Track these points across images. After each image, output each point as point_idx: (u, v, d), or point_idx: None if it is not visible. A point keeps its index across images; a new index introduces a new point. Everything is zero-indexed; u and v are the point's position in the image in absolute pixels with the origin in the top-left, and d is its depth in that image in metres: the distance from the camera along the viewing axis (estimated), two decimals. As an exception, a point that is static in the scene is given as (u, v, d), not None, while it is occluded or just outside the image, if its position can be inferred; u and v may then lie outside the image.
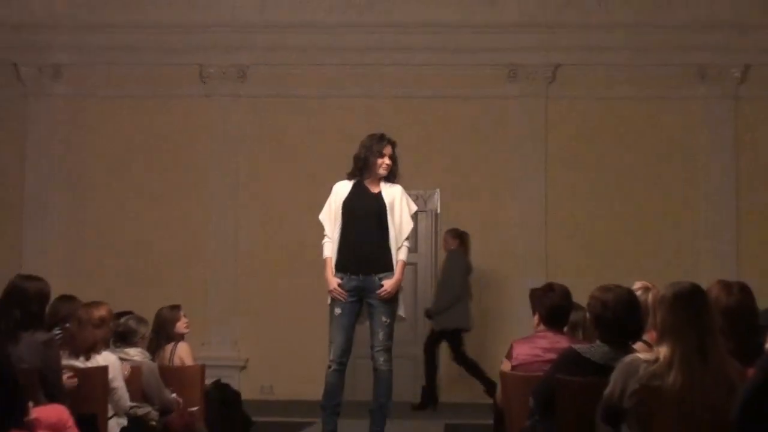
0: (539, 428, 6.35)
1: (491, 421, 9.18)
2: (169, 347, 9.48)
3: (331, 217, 8.87)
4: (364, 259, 8.70)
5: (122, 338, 8.58)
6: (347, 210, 8.78)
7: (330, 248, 8.76)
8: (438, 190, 14.53)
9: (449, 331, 13.39)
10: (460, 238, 13.57)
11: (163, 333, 9.55)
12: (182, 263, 14.26)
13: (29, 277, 7.27)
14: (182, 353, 9.46)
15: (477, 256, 14.18)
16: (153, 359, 8.95)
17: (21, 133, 14.72)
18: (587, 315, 6.49)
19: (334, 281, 8.64)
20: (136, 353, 8.58)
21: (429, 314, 13.60)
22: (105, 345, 8.01)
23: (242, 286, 14.42)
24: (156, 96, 14.68)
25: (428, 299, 14.26)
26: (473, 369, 13.27)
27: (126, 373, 8.08)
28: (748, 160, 14.29)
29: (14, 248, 14.32)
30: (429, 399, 13.35)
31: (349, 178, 9.01)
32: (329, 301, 8.85)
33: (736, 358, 5.37)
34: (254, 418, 10.53)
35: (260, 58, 14.74)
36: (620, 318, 6.08)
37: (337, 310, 8.75)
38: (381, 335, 8.85)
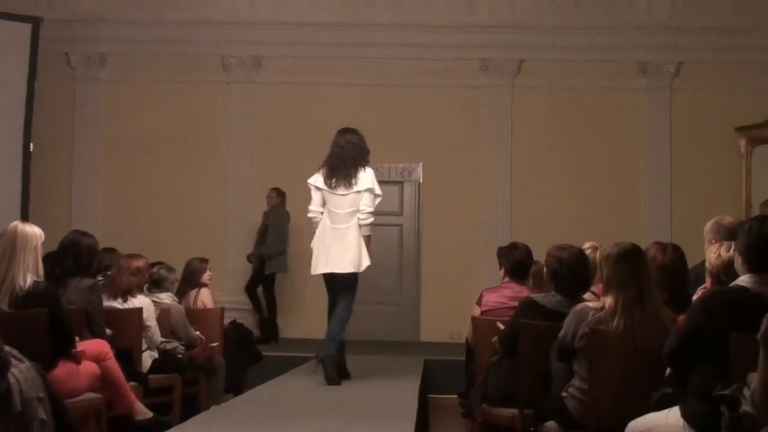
0: (503, 365, 6.35)
1: (463, 358, 9.20)
2: (193, 293, 9.49)
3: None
4: None
5: (155, 284, 8.60)
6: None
7: None
8: (421, 163, 14.50)
9: (273, 274, 13.45)
10: (282, 196, 13.61)
11: (190, 280, 9.56)
12: (204, 224, 14.21)
13: (84, 234, 7.29)
14: (204, 298, 9.49)
15: (453, 218, 14.20)
16: (180, 302, 8.96)
17: (71, 112, 14.66)
18: (544, 269, 6.48)
19: None
20: (166, 297, 8.59)
21: (251, 260, 13.64)
22: (140, 290, 8.01)
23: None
24: (184, 82, 14.61)
25: (412, 256, 14.26)
26: (271, 311, 13.47)
27: (156, 313, 8.08)
28: (679, 140, 14.29)
29: (65, 210, 14.26)
30: (270, 334, 13.41)
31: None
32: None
33: (669, 307, 5.37)
34: (264, 353, 10.53)
35: (274, 50, 14.66)
36: (573, 272, 6.09)
37: None
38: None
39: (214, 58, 14.67)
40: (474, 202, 14.35)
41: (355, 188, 8.56)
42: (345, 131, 9.05)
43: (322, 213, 8.66)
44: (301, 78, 14.56)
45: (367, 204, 8.50)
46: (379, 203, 8.79)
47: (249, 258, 13.59)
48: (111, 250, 8.23)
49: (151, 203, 14.39)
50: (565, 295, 6.07)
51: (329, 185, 8.62)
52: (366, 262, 8.57)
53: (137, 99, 14.69)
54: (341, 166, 8.63)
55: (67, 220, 13.58)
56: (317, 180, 8.73)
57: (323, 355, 8.43)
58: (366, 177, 8.59)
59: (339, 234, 8.53)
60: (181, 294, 9.33)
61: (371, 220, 8.57)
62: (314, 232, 8.78)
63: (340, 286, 8.65)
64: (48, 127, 13.89)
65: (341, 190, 8.58)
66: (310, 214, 8.81)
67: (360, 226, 8.52)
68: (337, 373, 8.36)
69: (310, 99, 14.51)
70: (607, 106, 14.41)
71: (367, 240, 8.60)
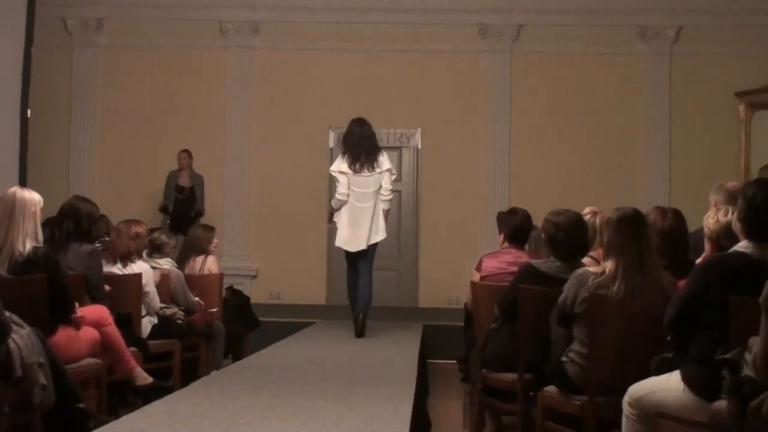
0: (503, 330, 6.36)
1: (462, 323, 9.23)
2: (200, 259, 9.51)
3: None
4: None
5: (155, 249, 8.61)
6: None
7: None
8: (419, 129, 14.48)
9: None
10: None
11: (195, 247, 9.57)
12: (204, 189, 14.19)
13: (84, 199, 7.31)
14: (211, 265, 9.52)
15: (452, 184, 14.19)
16: (181, 268, 8.98)
17: (68, 78, 14.59)
18: (542, 235, 6.47)
19: None
20: (165, 262, 8.59)
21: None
22: (139, 255, 8.01)
23: (254, 208, 14.40)
24: (182, 47, 14.53)
25: (410, 222, 14.27)
26: None
27: (156, 279, 8.09)
28: (679, 106, 14.26)
29: (63, 177, 14.24)
30: None
31: None
32: None
33: (670, 271, 5.37)
34: (264, 319, 10.56)
35: (271, 15, 14.58)
36: (570, 237, 6.07)
37: None
38: None
39: (211, 23, 14.60)
40: (473, 168, 14.33)
41: (378, 170, 9.86)
42: (361, 122, 10.06)
43: (348, 195, 9.87)
44: (298, 43, 14.50)
45: (388, 183, 9.90)
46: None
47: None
48: (101, 217, 8.22)
49: (149, 170, 14.34)
50: (563, 261, 6.07)
51: (354, 169, 9.83)
52: (383, 234, 9.95)
53: (134, 65, 14.63)
54: (364, 153, 9.85)
55: (65, 187, 13.56)
56: (341, 166, 9.89)
57: (361, 314, 9.89)
58: (385, 159, 9.93)
59: (366, 212, 9.85)
60: (184, 259, 9.34)
61: (391, 196, 10.06)
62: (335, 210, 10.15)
63: (362, 256, 9.95)
64: (45, 94, 13.82)
65: (366, 173, 9.84)
66: (339, 197, 9.93)
67: (382, 201, 9.91)
68: (362, 329, 9.86)
69: (307, 65, 14.47)
70: (606, 71, 14.37)
71: (386, 214, 10.01)
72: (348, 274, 10.18)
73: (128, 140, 14.54)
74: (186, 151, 13.47)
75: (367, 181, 9.90)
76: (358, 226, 9.88)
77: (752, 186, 4.55)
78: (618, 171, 14.17)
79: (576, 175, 14.01)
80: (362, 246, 9.87)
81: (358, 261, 9.98)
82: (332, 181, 10.96)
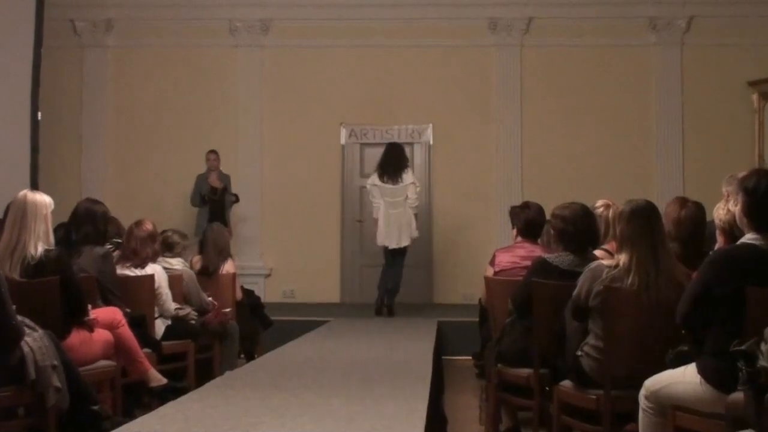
0: (517, 325, 6.34)
1: (477, 319, 9.22)
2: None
3: None
4: None
5: (167, 248, 8.59)
6: None
7: None
8: (431, 124, 14.45)
9: None
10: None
11: (224, 252, 9.54)
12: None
13: (96, 201, 7.34)
14: (229, 267, 9.49)
15: (464, 179, 14.18)
16: (212, 272, 9.04)
17: (78, 79, 14.62)
18: (551, 230, 6.45)
19: None
20: (177, 262, 8.58)
21: None
22: (156, 257, 8.01)
23: (267, 207, 14.40)
24: (192, 46, 14.55)
25: (423, 217, 14.25)
26: None
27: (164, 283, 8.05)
28: (691, 98, 14.21)
29: (74, 179, 14.28)
30: None
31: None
32: None
33: (684, 263, 5.35)
34: (277, 318, 10.54)
35: (281, 13, 14.58)
36: (579, 229, 6.05)
37: None
38: None
39: (221, 22, 14.60)
40: (485, 162, 14.31)
41: (402, 183, 12.10)
42: (394, 145, 12.59)
43: (381, 202, 12.16)
44: (309, 41, 14.50)
45: (413, 193, 12.18)
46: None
47: None
48: (111, 218, 8.22)
49: (160, 170, 14.37)
50: (575, 254, 6.04)
51: (383, 181, 12.14)
52: (416, 233, 12.32)
53: (144, 65, 14.65)
54: (392, 169, 12.16)
55: (76, 189, 13.60)
56: (374, 180, 12.25)
57: (388, 303, 12.29)
58: (409, 175, 12.20)
59: (398, 216, 12.11)
60: (214, 264, 9.31)
61: (417, 203, 12.35)
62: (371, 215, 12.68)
63: (399, 253, 12.31)
64: (56, 96, 13.87)
65: (393, 185, 12.10)
66: (374, 204, 12.32)
67: (410, 208, 12.17)
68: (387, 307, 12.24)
69: (318, 62, 14.46)
70: (618, 63, 14.33)
71: (415, 217, 12.24)
72: (384, 269, 12.43)
73: (139, 141, 14.56)
74: (214, 152, 13.46)
75: (395, 191, 12.11)
76: (393, 227, 12.12)
77: (751, 178, 4.49)
78: (631, 163, 14.14)
79: (589, 168, 13.99)
80: (399, 244, 12.16)
81: (395, 257, 12.29)
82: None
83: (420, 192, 12.54)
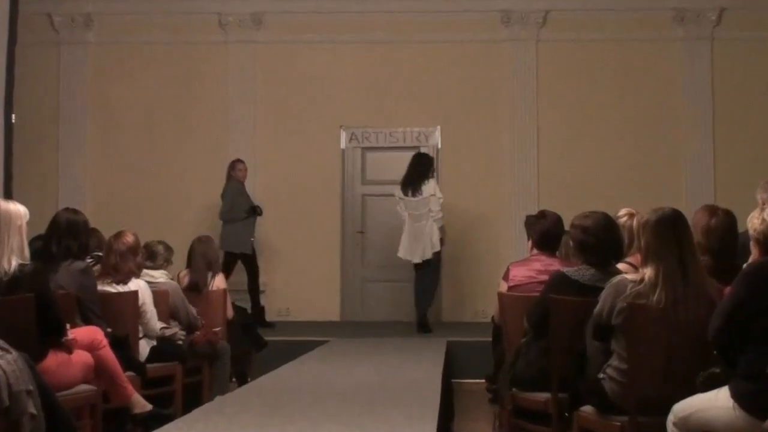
0: (534, 345, 6.34)
1: (489, 339, 9.21)
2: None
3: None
4: None
5: (148, 258, 8.56)
6: None
7: None
8: (438, 127, 14.46)
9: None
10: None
11: (214, 265, 9.53)
12: (205, 198, 14.15)
13: (75, 212, 7.35)
14: (219, 282, 9.48)
15: (475, 188, 14.18)
16: (200, 287, 9.03)
17: (55, 78, 14.63)
18: (570, 242, 6.44)
19: None
20: (160, 275, 8.58)
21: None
22: (140, 271, 8.01)
23: (261, 218, 14.37)
24: (178, 42, 14.56)
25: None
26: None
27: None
28: (722, 96, 14.19)
29: (51, 187, 14.29)
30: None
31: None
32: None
33: (717, 276, 5.35)
34: (272, 338, 10.55)
35: (275, 6, 14.59)
36: (601, 241, 6.05)
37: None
38: None
39: (209, 17, 14.62)
40: (497, 168, 14.29)
41: (421, 195, 12.49)
42: (416, 156, 13.06)
43: (406, 215, 12.63)
44: (305, 36, 14.51)
45: (435, 206, 12.51)
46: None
47: None
48: (92, 230, 8.22)
49: (145, 177, 14.37)
50: (597, 267, 6.04)
51: (405, 194, 12.59)
52: (437, 246, 12.55)
53: (127, 63, 14.65)
54: (413, 181, 12.57)
55: (53, 198, 13.64)
56: (398, 193, 12.69)
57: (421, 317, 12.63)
58: (428, 187, 12.54)
59: (420, 229, 12.54)
60: (202, 279, 9.30)
61: (440, 216, 12.55)
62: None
63: (426, 266, 12.59)
64: (31, 97, 13.88)
65: (414, 197, 12.53)
66: (401, 218, 12.69)
67: (434, 221, 12.50)
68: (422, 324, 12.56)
69: (315, 59, 14.47)
70: (642, 59, 14.32)
71: (442, 230, 12.66)
72: (414, 285, 12.78)
73: (121, 146, 14.55)
74: (242, 161, 13.49)
75: (417, 204, 12.54)
76: (416, 241, 12.54)
77: None
78: (657, 168, 14.11)
79: (610, 173, 13.97)
80: (420, 257, 12.54)
81: (423, 270, 12.61)
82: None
83: (438, 206, 12.61)
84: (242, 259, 13.09)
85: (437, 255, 12.64)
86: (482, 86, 14.40)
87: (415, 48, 14.39)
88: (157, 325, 8.00)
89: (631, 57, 14.30)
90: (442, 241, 12.69)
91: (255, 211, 13.21)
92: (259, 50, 14.65)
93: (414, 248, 12.57)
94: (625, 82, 14.27)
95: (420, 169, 12.68)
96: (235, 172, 13.35)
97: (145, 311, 7.84)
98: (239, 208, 13.12)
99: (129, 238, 7.91)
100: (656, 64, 14.32)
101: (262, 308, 13.25)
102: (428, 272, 12.67)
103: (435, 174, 12.97)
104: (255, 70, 14.62)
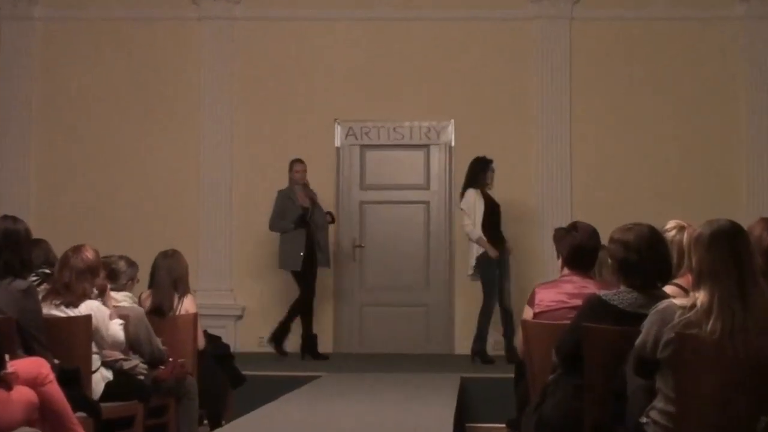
0: (564, 382, 6.34)
1: (511, 375, 9.22)
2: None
3: (474, 215, 13.08)
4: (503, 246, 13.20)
5: (109, 277, 8.53)
6: (486, 213, 13.12)
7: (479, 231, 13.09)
8: (452, 120, 14.50)
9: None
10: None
11: (182, 284, 9.52)
12: (171, 200, 14.22)
13: (16, 220, 7.29)
14: (188, 305, 9.44)
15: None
16: (165, 310, 9.03)
17: (-6, 61, 14.70)
18: (608, 261, 6.45)
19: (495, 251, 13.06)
20: (123, 298, 8.57)
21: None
22: (102, 293, 8.00)
23: (239, 228, 14.37)
24: (143, 19, 14.62)
25: (442, 242, 14.27)
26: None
27: (113, 316, 8.02)
28: (793, 86, 14.24)
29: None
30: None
31: (474, 188, 13.18)
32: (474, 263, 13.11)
33: (779, 303, 5.35)
34: (252, 373, 10.54)
35: (256, -24, 14.67)
36: (644, 259, 6.04)
37: (490, 280, 13.03)
38: (508, 287, 13.18)
39: (180, -12, 14.68)
40: (523, 171, 14.30)
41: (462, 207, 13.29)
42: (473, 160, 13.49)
43: None
44: (292, 11, 14.57)
45: (464, 219, 13.22)
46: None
47: None
48: (39, 241, 8.22)
49: (100, 178, 14.38)
50: (640, 291, 6.05)
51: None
52: (470, 270, 13.21)
53: (82, 42, 14.68)
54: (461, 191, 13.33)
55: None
56: None
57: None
58: (463, 199, 13.18)
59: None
60: (166, 299, 9.29)
61: (467, 230, 13.14)
62: None
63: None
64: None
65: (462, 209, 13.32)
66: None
67: (466, 234, 13.31)
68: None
69: (305, 39, 14.51)
70: (695, 41, 14.35)
71: (477, 241, 13.05)
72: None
73: (74, 141, 14.56)
74: (300, 161, 13.57)
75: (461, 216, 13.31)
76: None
77: None
78: (713, 172, 14.12)
79: (657, 177, 14.00)
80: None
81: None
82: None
83: (466, 219, 13.10)
84: (295, 278, 13.31)
85: (476, 274, 13.11)
86: (505, 73, 14.42)
87: (425, 26, 14.43)
88: (118, 341, 7.96)
89: (682, 39, 14.34)
90: (482, 257, 12.99)
91: (303, 219, 13.25)
92: (238, 28, 14.68)
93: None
94: (674, 69, 14.28)
95: (467, 175, 13.29)
96: (291, 174, 13.50)
97: (103, 339, 7.82)
98: (291, 217, 13.23)
99: (88, 255, 7.88)
100: (712, 47, 14.34)
101: (315, 336, 13.37)
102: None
103: (483, 181, 13.20)
104: (232, 52, 14.65)
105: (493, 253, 12.91)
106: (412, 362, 12.50)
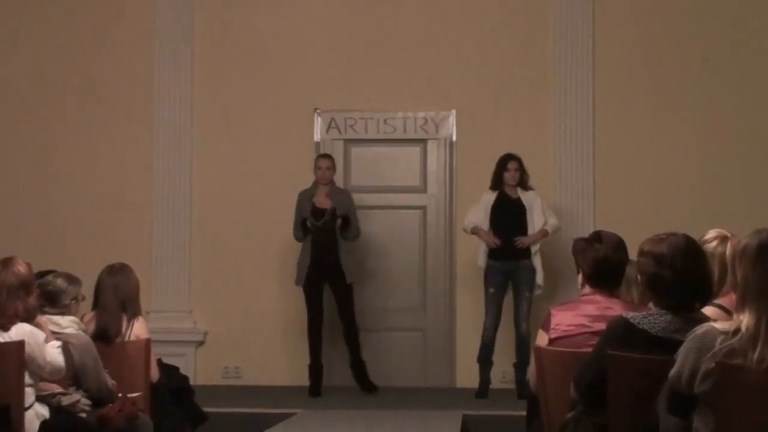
0: (584, 422, 6.35)
1: (522, 412, 9.24)
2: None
3: (480, 217, 13.40)
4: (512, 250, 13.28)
5: (49, 300, 8.52)
6: (495, 212, 13.38)
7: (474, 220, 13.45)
8: (453, 112, 14.52)
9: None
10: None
11: (131, 306, 9.49)
12: (120, 205, 14.22)
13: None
14: (139, 330, 9.39)
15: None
16: (111, 335, 9.01)
17: None
18: (638, 277, 6.46)
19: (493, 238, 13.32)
20: (68, 323, 8.53)
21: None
22: (33, 315, 7.97)
23: (199, 238, 14.38)
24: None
25: (441, 254, 14.28)
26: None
27: (54, 344, 8.01)
28: None
29: None
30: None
31: (492, 189, 13.53)
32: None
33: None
34: (214, 410, 10.54)
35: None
36: (679, 274, 6.05)
37: (491, 290, 13.23)
38: (525, 307, 13.26)
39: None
40: (536, 171, 14.25)
41: None
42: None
43: None
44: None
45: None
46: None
47: None
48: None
49: (35, 180, 14.40)
50: (675, 313, 6.06)
51: None
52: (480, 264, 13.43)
53: (10, 16, 14.67)
54: None
55: None
56: None
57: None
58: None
59: None
60: (112, 322, 9.27)
61: (464, 224, 13.55)
62: None
63: None
64: None
65: None
66: None
67: None
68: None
69: (280, 14, 14.52)
70: (740, 19, 14.36)
71: (473, 231, 13.36)
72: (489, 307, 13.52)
73: (3, 129, 14.54)
74: (327, 156, 13.70)
75: None
76: None
77: None
78: (759, 173, 14.12)
79: (694, 179, 14.00)
80: None
81: None
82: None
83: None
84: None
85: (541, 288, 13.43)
86: (516, 56, 14.45)
87: (419, 4, 14.42)
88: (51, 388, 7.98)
89: (723, 16, 14.34)
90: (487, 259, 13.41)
91: (304, 225, 13.36)
92: (197, 1, 14.67)
93: None
94: (715, 52, 14.29)
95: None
96: (315, 171, 13.58)
97: (40, 368, 7.81)
98: (298, 226, 13.44)
99: (20, 268, 7.87)
100: (760, 25, 14.32)
101: (363, 363, 13.43)
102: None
103: (501, 180, 13.45)
104: (192, 28, 14.65)
105: (490, 240, 13.16)
106: (409, 396, 12.52)
